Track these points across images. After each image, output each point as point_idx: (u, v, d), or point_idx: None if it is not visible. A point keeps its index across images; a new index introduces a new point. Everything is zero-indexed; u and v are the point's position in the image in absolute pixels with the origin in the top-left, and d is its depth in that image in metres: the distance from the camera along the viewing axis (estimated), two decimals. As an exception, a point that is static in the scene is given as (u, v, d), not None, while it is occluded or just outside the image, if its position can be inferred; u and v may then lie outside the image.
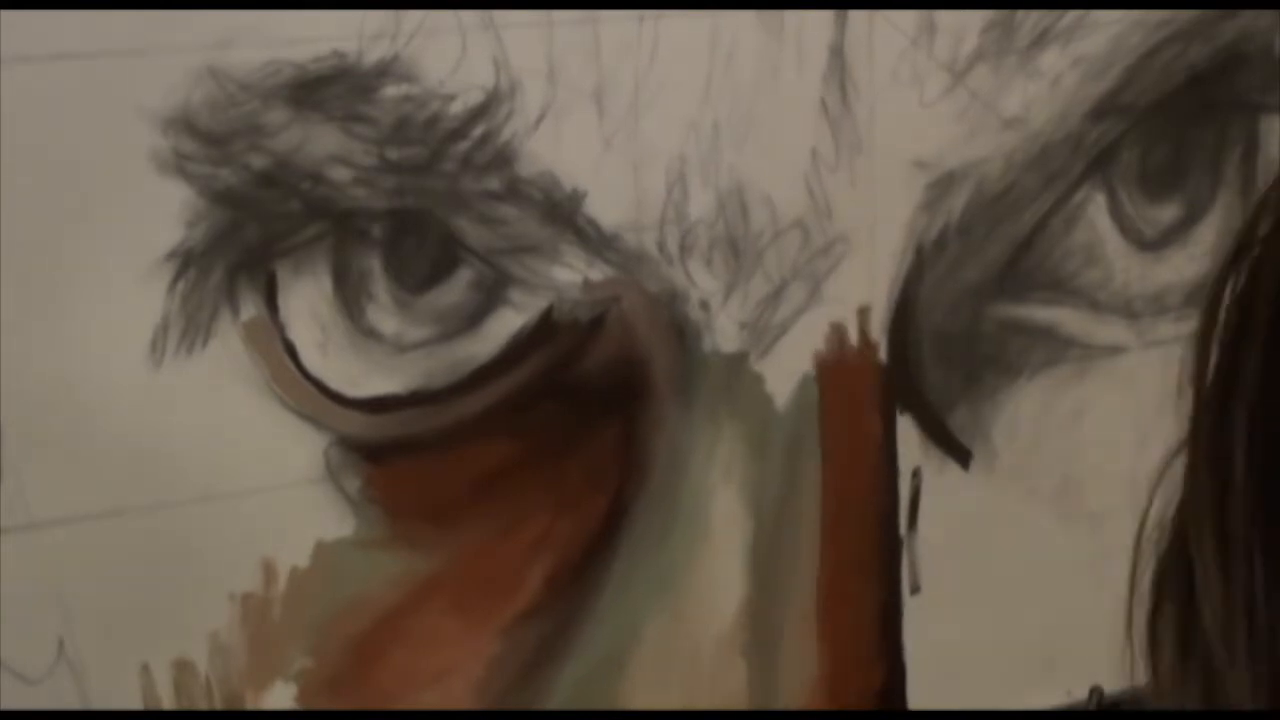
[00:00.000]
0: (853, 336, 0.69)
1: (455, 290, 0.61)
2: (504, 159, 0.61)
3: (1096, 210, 0.72)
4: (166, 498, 0.59)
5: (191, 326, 0.58)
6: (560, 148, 0.62)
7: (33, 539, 0.57)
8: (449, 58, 0.59)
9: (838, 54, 0.66)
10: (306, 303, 0.59)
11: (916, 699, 0.75)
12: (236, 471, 0.60)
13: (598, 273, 0.64)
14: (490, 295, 0.62)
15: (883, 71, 0.66)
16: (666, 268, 0.65)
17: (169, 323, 0.57)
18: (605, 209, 0.63)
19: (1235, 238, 0.31)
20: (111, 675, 0.59)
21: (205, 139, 0.56)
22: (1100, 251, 0.73)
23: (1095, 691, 0.78)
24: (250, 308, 0.59)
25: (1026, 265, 0.72)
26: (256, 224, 0.58)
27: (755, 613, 0.70)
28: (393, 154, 0.59)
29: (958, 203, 0.70)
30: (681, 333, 0.66)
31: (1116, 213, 0.73)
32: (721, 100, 0.64)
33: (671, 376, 0.66)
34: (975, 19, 0.67)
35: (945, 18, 0.67)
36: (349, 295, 0.60)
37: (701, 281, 0.66)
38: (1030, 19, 0.68)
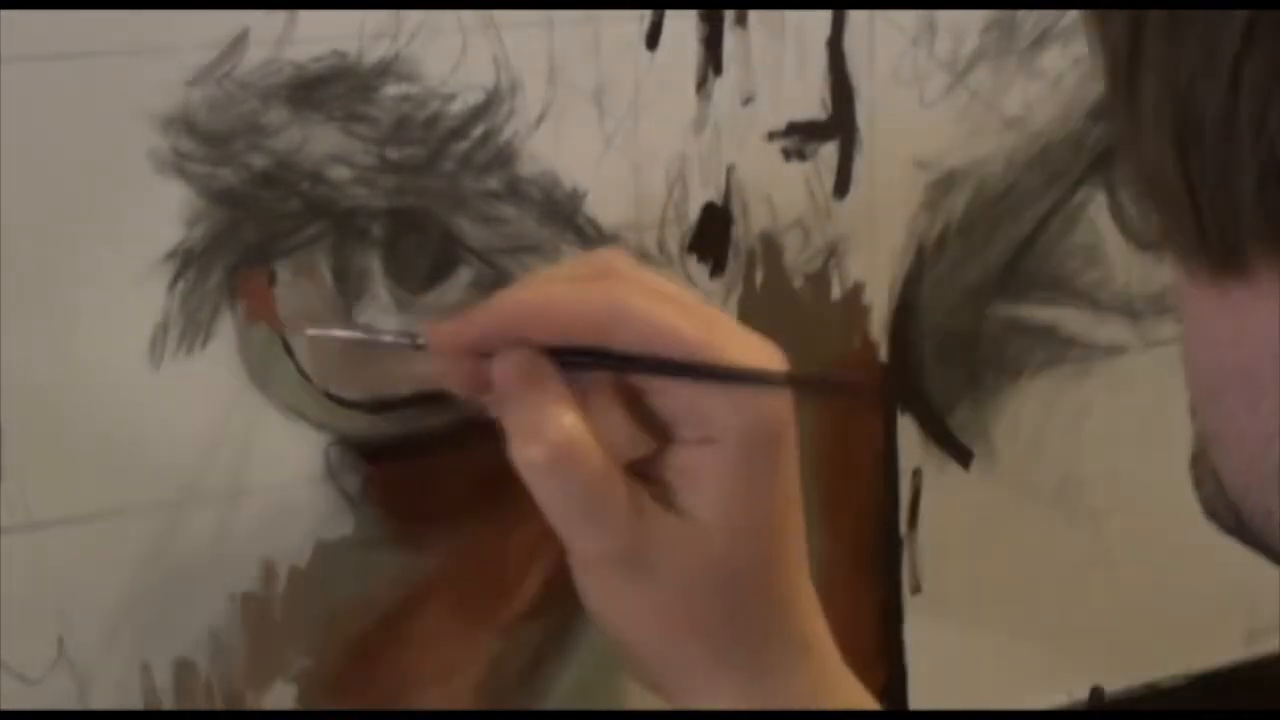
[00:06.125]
0: (852, 336, 0.69)
1: (455, 290, 0.61)
2: (504, 159, 0.61)
3: (1097, 210, 0.72)
4: (166, 498, 0.59)
5: (191, 326, 0.58)
6: (560, 147, 0.62)
7: (33, 539, 0.56)
8: (449, 58, 0.59)
9: (838, 54, 0.66)
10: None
11: (917, 699, 0.75)
12: (236, 471, 0.60)
13: (598, 273, 0.64)
14: (490, 295, 0.62)
15: (883, 71, 0.66)
16: (666, 268, 0.65)
17: (169, 323, 0.57)
18: (605, 209, 0.63)
19: None
20: (111, 675, 0.59)
21: (205, 139, 0.56)
22: (1101, 251, 0.73)
23: (1095, 691, 0.78)
24: (250, 308, 0.59)
25: (1027, 265, 0.72)
26: (256, 224, 0.58)
27: (755, 613, 0.70)
28: (393, 154, 0.59)
29: (958, 203, 0.70)
30: (682, 333, 0.66)
31: (1117, 213, 0.73)
32: (721, 100, 0.64)
33: (672, 376, 0.66)
34: (976, 19, 0.67)
35: (945, 18, 0.67)
36: (349, 295, 0.60)
37: (701, 282, 0.66)
38: (1031, 19, 0.68)
